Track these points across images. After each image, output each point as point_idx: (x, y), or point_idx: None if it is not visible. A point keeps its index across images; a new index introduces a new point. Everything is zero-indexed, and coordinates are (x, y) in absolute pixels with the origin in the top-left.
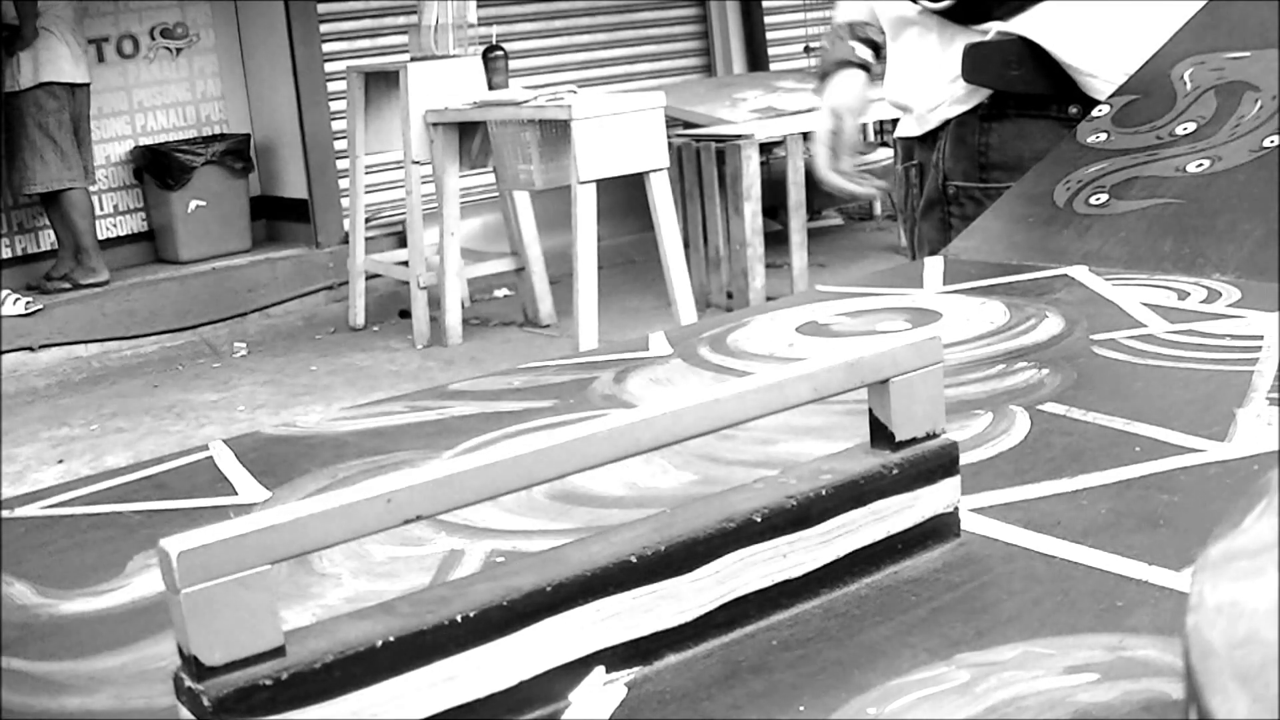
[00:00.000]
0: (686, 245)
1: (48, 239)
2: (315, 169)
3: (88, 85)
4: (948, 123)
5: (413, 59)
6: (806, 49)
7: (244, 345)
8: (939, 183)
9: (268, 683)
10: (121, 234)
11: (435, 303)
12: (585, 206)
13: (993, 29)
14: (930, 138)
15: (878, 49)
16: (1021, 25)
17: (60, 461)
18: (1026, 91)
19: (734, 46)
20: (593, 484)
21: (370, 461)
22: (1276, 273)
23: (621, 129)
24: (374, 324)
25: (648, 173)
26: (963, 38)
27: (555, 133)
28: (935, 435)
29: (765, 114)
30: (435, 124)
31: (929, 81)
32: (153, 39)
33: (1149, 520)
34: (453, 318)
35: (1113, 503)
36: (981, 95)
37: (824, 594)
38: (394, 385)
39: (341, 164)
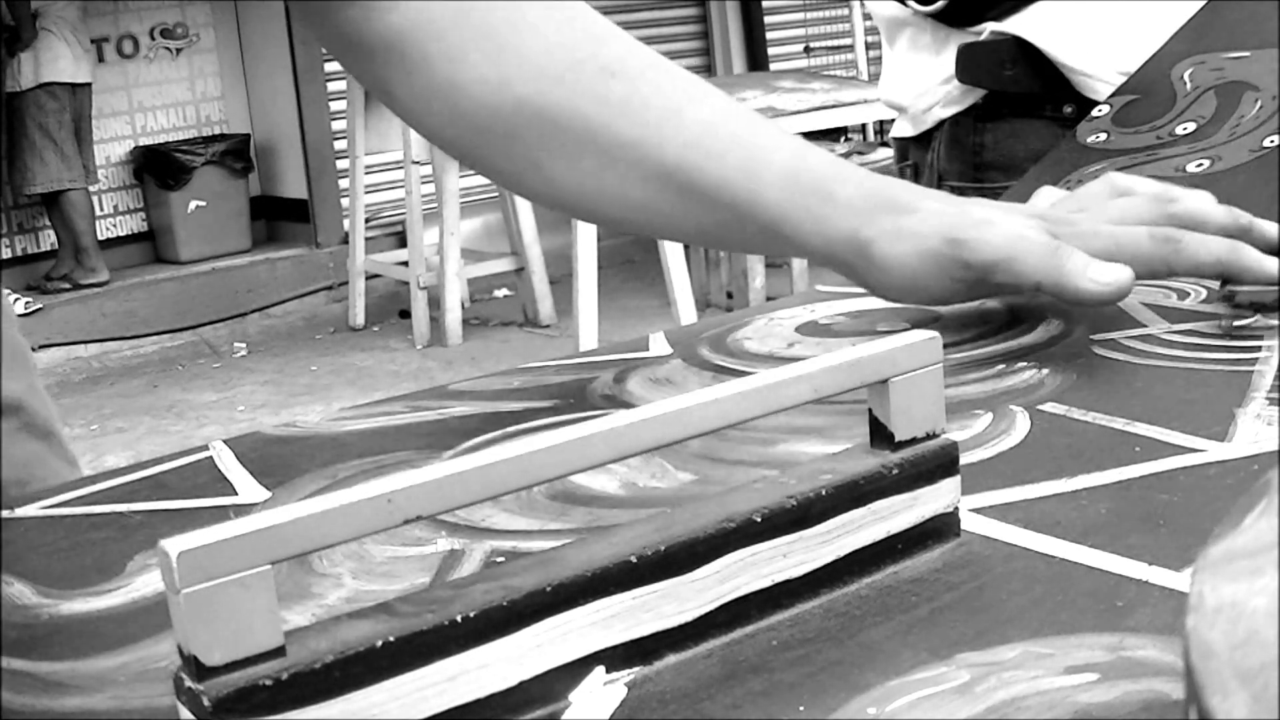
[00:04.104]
0: (686, 245)
1: (48, 239)
2: (315, 169)
3: (89, 85)
4: (943, 123)
5: None
6: (806, 49)
7: (244, 345)
8: (934, 183)
9: (268, 683)
10: (121, 234)
11: (435, 303)
12: None
13: (987, 29)
14: (925, 138)
15: None
16: (1016, 25)
17: None
18: (1021, 91)
19: (734, 46)
20: (593, 484)
21: (370, 461)
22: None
23: None
24: (374, 324)
25: None
26: (957, 38)
27: None
28: (935, 435)
29: (765, 114)
30: None
31: (924, 82)
32: (153, 39)
33: (1149, 520)
34: (453, 318)
35: (1113, 503)
36: (976, 95)
37: (824, 594)
38: (394, 385)
39: (341, 164)
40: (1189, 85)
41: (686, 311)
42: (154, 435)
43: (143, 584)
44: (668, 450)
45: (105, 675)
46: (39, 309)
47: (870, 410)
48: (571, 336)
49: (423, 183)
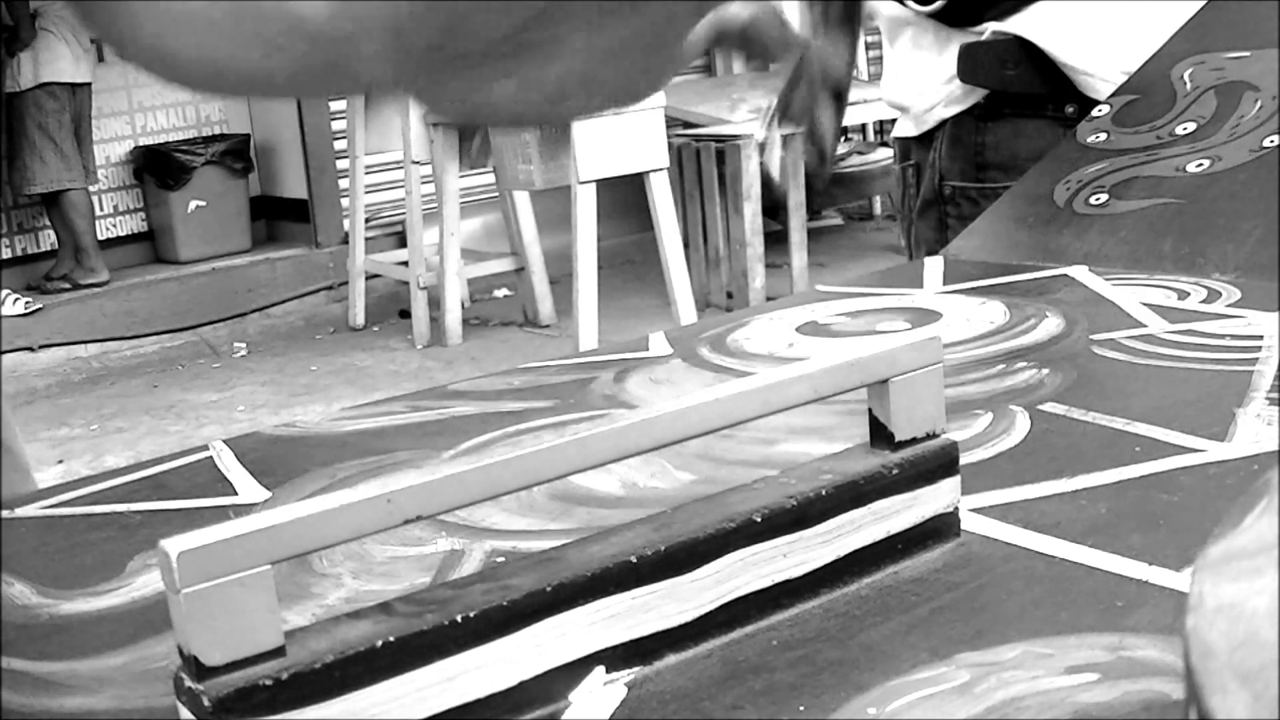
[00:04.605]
0: (686, 245)
1: (48, 239)
2: (315, 169)
3: (89, 85)
4: (944, 123)
5: None
6: None
7: (244, 345)
8: (935, 183)
9: (268, 683)
10: (121, 234)
11: (435, 303)
12: (585, 206)
13: (988, 29)
14: (927, 138)
15: None
16: (1017, 25)
17: (60, 461)
18: (1023, 91)
19: None
20: (593, 484)
21: (370, 461)
22: (1276, 273)
23: (621, 129)
24: (374, 324)
25: (648, 173)
26: (959, 38)
27: (555, 132)
28: (935, 435)
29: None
30: (435, 124)
31: (926, 82)
32: None
33: (1149, 520)
34: (453, 318)
35: (1113, 503)
36: (978, 95)
37: (824, 594)
38: (394, 385)
39: (341, 164)
40: (1189, 85)
41: (686, 311)
42: (154, 435)
43: (143, 584)
44: (668, 450)
45: (105, 675)
46: (39, 309)
47: (870, 410)
48: (571, 336)
49: (423, 183)
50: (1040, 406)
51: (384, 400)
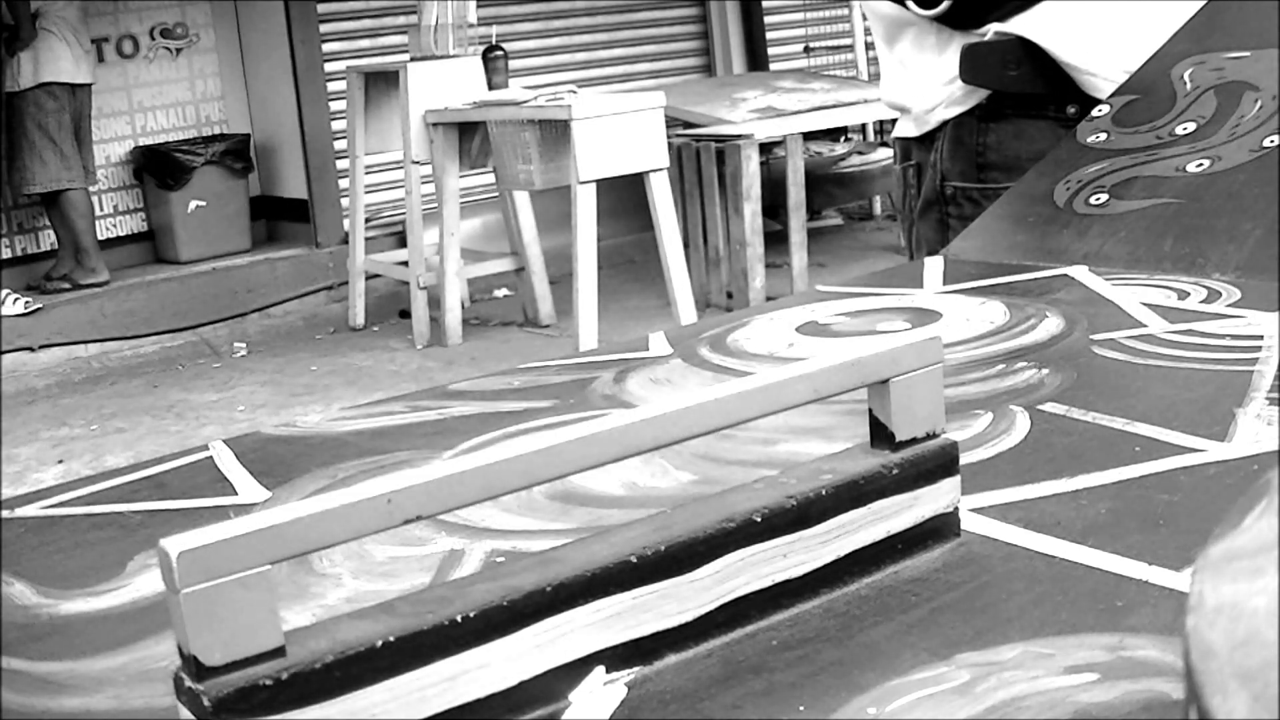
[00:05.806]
0: (686, 245)
1: (48, 239)
2: (315, 169)
3: (89, 85)
4: (946, 123)
5: (413, 59)
6: (806, 49)
7: (244, 345)
8: (937, 183)
9: (268, 683)
10: (121, 234)
11: (435, 303)
12: (585, 206)
13: (990, 30)
14: (928, 138)
15: None
16: (1019, 25)
17: (60, 461)
18: (1024, 92)
19: (734, 46)
20: (593, 484)
21: (370, 461)
22: (1276, 273)
23: (621, 129)
24: (374, 324)
25: (648, 173)
26: (961, 39)
27: (555, 133)
28: (935, 435)
29: (765, 114)
30: (435, 124)
31: (927, 83)
32: (153, 39)
33: (1149, 520)
34: (453, 318)
35: (1113, 503)
36: (979, 96)
37: (824, 594)
38: (394, 385)
39: (341, 164)
40: (1189, 85)
41: (686, 311)
42: (154, 435)
43: (143, 584)
44: (668, 450)
45: (105, 675)
46: (39, 309)
47: (870, 410)
48: (571, 336)
49: (423, 183)
50: (1040, 406)
51: (384, 400)
